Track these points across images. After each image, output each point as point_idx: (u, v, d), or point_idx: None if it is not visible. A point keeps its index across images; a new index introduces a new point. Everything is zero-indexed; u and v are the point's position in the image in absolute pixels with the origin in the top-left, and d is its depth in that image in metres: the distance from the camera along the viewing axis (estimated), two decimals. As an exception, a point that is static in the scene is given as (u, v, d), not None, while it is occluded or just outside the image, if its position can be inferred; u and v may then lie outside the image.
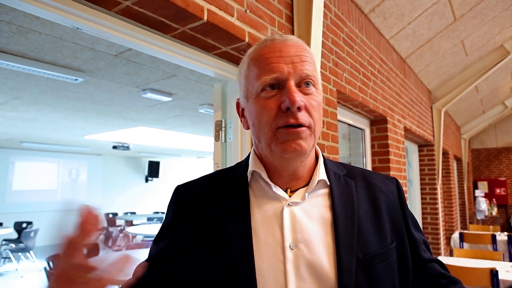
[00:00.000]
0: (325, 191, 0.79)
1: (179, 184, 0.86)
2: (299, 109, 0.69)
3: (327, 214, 0.75)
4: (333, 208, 0.75)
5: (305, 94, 0.72)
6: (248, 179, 0.79)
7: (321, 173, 0.78)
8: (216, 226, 0.74)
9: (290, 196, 0.76)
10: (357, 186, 0.81)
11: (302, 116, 0.70)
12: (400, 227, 0.81)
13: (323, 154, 0.85)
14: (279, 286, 0.68)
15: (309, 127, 0.71)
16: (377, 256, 0.74)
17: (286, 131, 0.70)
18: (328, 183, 0.79)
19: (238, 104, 0.84)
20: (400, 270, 0.78)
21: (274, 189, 0.76)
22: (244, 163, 0.83)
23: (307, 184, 0.78)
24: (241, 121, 0.83)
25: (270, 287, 0.68)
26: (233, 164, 0.91)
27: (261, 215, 0.75)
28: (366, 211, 0.78)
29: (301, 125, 0.70)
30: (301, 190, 0.77)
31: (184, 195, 0.82)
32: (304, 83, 0.72)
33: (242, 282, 0.68)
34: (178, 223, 0.79)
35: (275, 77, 0.71)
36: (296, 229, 0.72)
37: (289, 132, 0.70)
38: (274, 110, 0.71)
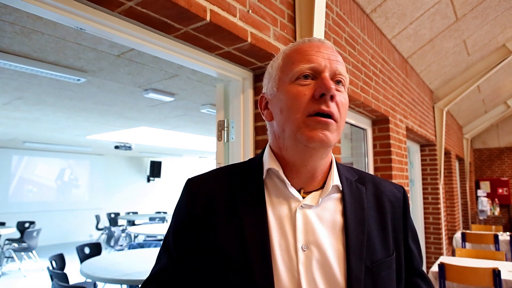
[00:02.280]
0: (337, 196, 0.79)
1: (191, 178, 0.85)
2: (332, 98, 0.71)
3: (338, 219, 0.76)
4: (345, 214, 0.76)
5: (336, 91, 0.74)
6: (263, 176, 0.79)
7: (335, 178, 0.79)
8: (232, 223, 0.74)
9: (303, 198, 0.76)
10: (367, 192, 0.82)
11: (333, 107, 0.72)
12: (399, 238, 0.82)
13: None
14: (294, 285, 0.69)
15: (336, 122, 0.73)
16: (382, 264, 0.75)
17: (316, 119, 0.71)
18: (341, 188, 0.79)
19: (262, 98, 0.85)
20: (396, 280, 0.79)
21: (289, 189, 0.76)
22: (258, 160, 0.84)
23: (321, 188, 0.78)
24: (263, 113, 0.84)
25: (285, 285, 0.69)
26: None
27: (274, 214, 0.75)
28: (374, 219, 0.79)
29: (330, 116, 0.71)
30: (315, 194, 0.77)
31: (197, 189, 0.81)
32: (335, 81, 0.75)
33: (259, 281, 0.68)
34: (193, 220, 0.78)
35: (312, 67, 0.73)
36: (308, 231, 0.73)
37: (319, 121, 0.71)
38: (307, 97, 0.72)
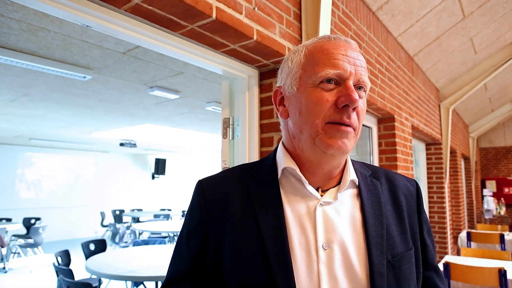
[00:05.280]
0: (354, 191, 0.79)
1: (202, 179, 0.83)
2: (354, 109, 0.70)
3: (357, 214, 0.76)
4: (363, 208, 0.76)
5: (358, 96, 0.73)
6: (278, 176, 0.78)
7: (351, 173, 0.79)
8: (248, 224, 0.73)
9: (321, 195, 0.75)
10: (382, 187, 0.82)
11: (354, 117, 0.71)
12: (416, 232, 0.81)
13: None
14: (313, 286, 0.68)
15: (355, 130, 0.72)
16: (403, 258, 0.74)
17: (336, 127, 0.70)
18: (357, 184, 0.79)
19: (277, 92, 0.83)
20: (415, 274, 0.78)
21: (307, 187, 0.75)
22: (271, 159, 0.82)
23: (338, 184, 0.78)
24: (278, 109, 0.82)
25: (304, 286, 0.68)
26: (241, 161, 0.91)
27: (292, 213, 0.74)
28: (391, 213, 0.79)
29: (349, 126, 0.71)
30: (333, 190, 0.77)
31: (209, 190, 0.80)
32: (357, 86, 0.73)
33: (279, 282, 0.67)
34: (206, 222, 0.77)
35: (338, 73, 0.71)
36: (329, 229, 0.72)
37: (338, 129, 0.70)
38: (329, 104, 0.71)
